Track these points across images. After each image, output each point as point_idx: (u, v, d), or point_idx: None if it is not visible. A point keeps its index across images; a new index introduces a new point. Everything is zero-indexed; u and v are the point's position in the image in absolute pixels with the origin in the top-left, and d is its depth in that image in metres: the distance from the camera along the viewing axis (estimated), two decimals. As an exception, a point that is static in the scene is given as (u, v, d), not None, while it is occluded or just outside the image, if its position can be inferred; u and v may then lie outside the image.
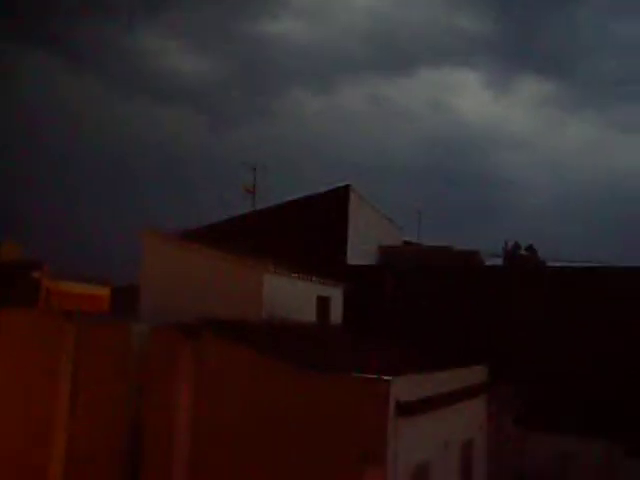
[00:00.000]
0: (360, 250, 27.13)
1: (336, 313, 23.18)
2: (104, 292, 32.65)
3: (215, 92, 69.27)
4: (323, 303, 22.23)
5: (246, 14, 72.02)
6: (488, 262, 30.02)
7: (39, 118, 55.14)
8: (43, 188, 47.10)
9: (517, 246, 32.89)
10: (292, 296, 19.90)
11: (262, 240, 24.80)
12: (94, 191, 49.48)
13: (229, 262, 19.37)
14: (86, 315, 18.85)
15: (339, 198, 26.95)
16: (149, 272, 20.13)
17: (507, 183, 64.32)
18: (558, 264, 26.82)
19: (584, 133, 72.37)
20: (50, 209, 43.40)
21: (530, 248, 32.59)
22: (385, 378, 12.13)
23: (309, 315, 20.96)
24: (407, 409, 12.46)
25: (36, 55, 61.79)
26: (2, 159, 48.42)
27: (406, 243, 32.27)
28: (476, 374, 18.95)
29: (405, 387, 12.76)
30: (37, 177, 48.49)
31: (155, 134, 60.63)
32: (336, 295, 23.34)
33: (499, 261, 31.29)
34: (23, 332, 16.21)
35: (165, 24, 68.85)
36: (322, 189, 27.77)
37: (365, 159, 60.77)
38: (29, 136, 53.51)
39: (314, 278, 21.74)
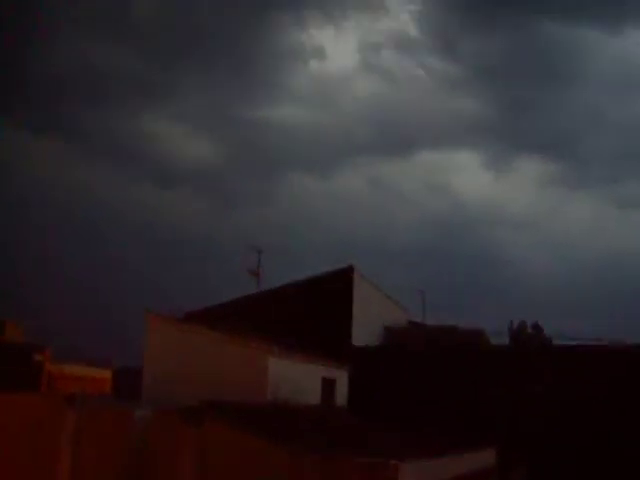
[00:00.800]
0: (365, 331, 26.97)
1: (341, 395, 22.85)
2: (106, 374, 32.37)
3: (216, 175, 70.55)
4: (328, 385, 21.95)
5: (247, 100, 74.05)
6: (494, 341, 29.79)
7: (44, 201, 55.97)
8: (46, 270, 47.28)
9: (523, 325, 32.67)
10: (297, 378, 19.65)
11: (266, 322, 24.73)
12: (97, 273, 49.61)
13: (233, 344, 19.26)
14: (88, 399, 18.59)
15: (343, 279, 26.99)
16: (152, 354, 20.00)
17: (508, 262, 64.56)
18: (564, 342, 26.62)
19: (585, 211, 73.10)
20: (53, 290, 43.44)
21: (536, 326, 32.35)
22: (393, 462, 11.85)
23: (314, 397, 20.66)
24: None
25: (43, 141, 63.16)
26: (7, 240, 48.79)
27: (411, 323, 32.09)
28: (485, 457, 18.52)
29: (413, 472, 12.44)
30: (40, 258, 48.78)
31: (158, 216, 61.33)
32: (341, 377, 23.07)
33: (505, 339, 31.03)
34: (23, 416, 15.95)
35: (168, 110, 70.72)
36: (325, 270, 27.86)
37: (366, 241, 61.18)
38: (34, 218, 54.15)
39: (319, 360, 21.54)
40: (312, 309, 26.59)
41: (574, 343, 25.59)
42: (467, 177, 78.58)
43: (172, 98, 70.64)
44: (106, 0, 65.69)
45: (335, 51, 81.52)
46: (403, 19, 78.99)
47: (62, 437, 15.14)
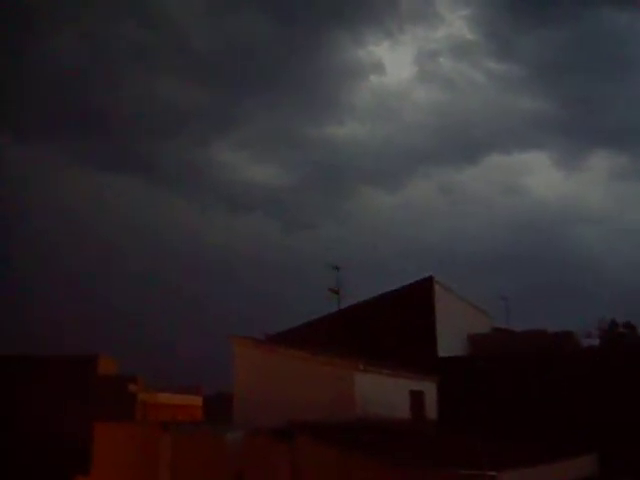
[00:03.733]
0: (450, 340, 26.62)
1: (431, 407, 22.58)
2: (197, 401, 33.02)
3: (287, 197, 71.31)
4: (416, 398, 21.73)
5: (311, 120, 74.73)
6: (584, 343, 28.82)
7: (121, 236, 57.77)
8: (136, 304, 48.72)
9: (614, 323, 31.49)
10: (384, 393, 19.57)
11: (350, 338, 24.74)
12: (179, 302, 50.81)
13: (318, 363, 19.34)
14: (182, 425, 19.05)
15: (423, 290, 26.74)
16: (240, 378, 20.31)
17: (590, 260, 62.47)
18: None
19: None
20: (143, 323, 44.73)
21: (628, 325, 31.12)
22: (491, 473, 11.63)
23: (403, 411, 20.50)
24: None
25: (122, 178, 65.42)
26: (98, 277, 50.68)
27: (496, 330, 31.45)
28: (585, 465, 17.89)
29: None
30: (127, 292, 50.30)
31: (234, 241, 62.40)
32: (429, 389, 22.81)
33: (595, 341, 30.00)
34: (121, 444, 16.48)
35: (234, 137, 72.05)
36: (404, 283, 27.67)
37: (443, 249, 60.50)
38: (115, 252, 55.95)
39: (405, 373, 21.38)
40: (394, 322, 26.45)
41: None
42: (539, 177, 76.95)
43: (238, 125, 72.07)
44: (170, 36, 67.47)
45: (393, 64, 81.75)
46: (457, 25, 78.50)
47: (160, 462, 15.58)
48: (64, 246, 54.38)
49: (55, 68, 60.69)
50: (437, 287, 26.93)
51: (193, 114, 68.24)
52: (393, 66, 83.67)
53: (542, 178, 76.85)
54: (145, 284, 52.74)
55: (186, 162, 69.29)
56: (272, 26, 69.35)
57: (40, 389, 26.13)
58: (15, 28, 59.42)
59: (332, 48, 73.52)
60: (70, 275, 50.96)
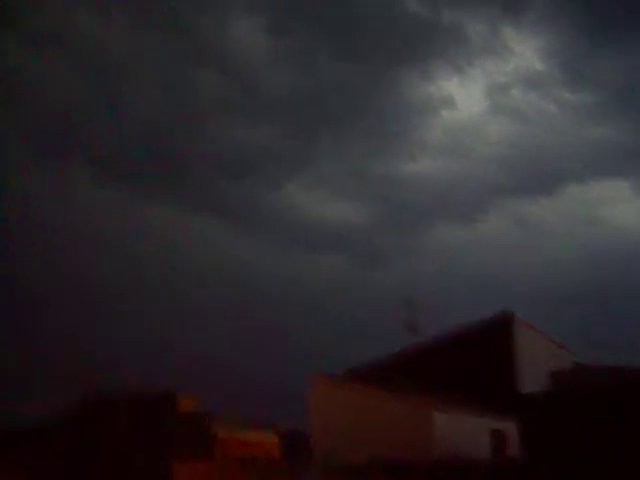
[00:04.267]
0: (531, 377, 25.86)
1: (513, 447, 21.90)
2: (273, 438, 32.98)
3: (360, 234, 71.29)
4: (498, 437, 21.14)
5: (382, 158, 74.89)
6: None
7: (198, 274, 58.88)
8: (213, 344, 49.51)
9: None
10: (463, 432, 19.14)
11: (426, 374, 24.36)
12: (256, 338, 51.29)
13: (396, 401, 19.12)
14: (259, 463, 19.06)
15: (502, 325, 26.17)
16: (317, 415, 20.27)
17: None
18: None
19: None
20: (220, 362, 45.30)
21: None
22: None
23: (483, 451, 19.96)
24: None
25: (195, 217, 67.02)
26: (169, 316, 51.83)
27: (579, 366, 30.39)
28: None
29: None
30: (204, 328, 51.16)
31: (308, 280, 62.79)
32: (511, 427, 22.14)
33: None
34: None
35: (307, 178, 72.97)
36: (480, 318, 27.15)
37: (521, 283, 59.00)
38: (193, 291, 57.03)
39: (485, 411, 20.87)
40: (472, 358, 25.93)
41: None
42: (619, 207, 74.31)
43: (310, 165, 72.92)
44: (244, 82, 69.33)
45: (464, 98, 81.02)
46: (528, 56, 77.15)
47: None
48: (142, 285, 55.79)
49: (136, 116, 63.24)
50: (516, 322, 26.32)
51: (267, 156, 69.51)
52: (464, 100, 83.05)
53: (622, 207, 74.36)
54: (222, 321, 53.52)
55: (260, 203, 70.49)
56: (342, 66, 70.40)
57: (120, 426, 26.64)
58: (104, 81, 62.47)
59: (402, 85, 73.71)
60: (150, 314, 52.23)
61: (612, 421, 23.05)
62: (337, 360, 31.05)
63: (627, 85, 67.92)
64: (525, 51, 75.45)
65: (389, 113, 72.54)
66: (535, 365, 26.66)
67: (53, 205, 54.86)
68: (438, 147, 74.89)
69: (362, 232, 68.78)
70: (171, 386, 28.59)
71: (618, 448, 22.04)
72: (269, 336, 51.30)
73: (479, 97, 78.09)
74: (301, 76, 69.20)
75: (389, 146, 75.76)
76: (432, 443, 17.85)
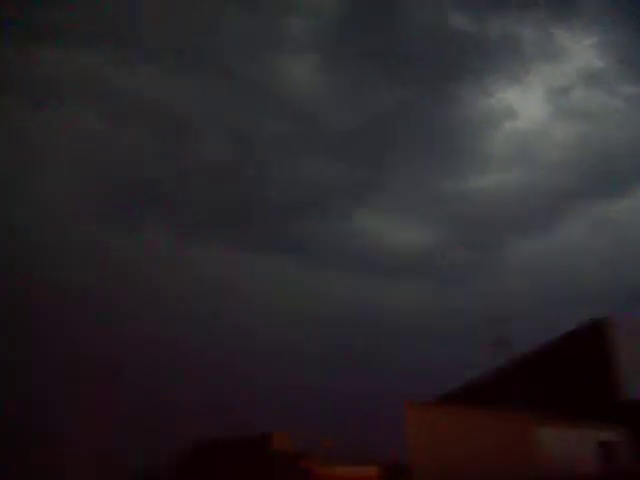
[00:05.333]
0: (635, 382, 24.74)
1: (622, 457, 20.96)
2: (373, 471, 32.56)
3: (435, 255, 70.52)
4: (606, 449, 20.28)
5: (450, 176, 74.31)
6: None
7: (275, 309, 59.24)
8: (300, 380, 49.55)
9: None
10: (568, 446, 18.46)
11: (523, 390, 23.69)
12: (345, 371, 51.01)
13: (497, 420, 18.63)
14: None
15: (597, 332, 25.21)
16: (415, 443, 19.95)
17: None
18: None
19: None
20: (313, 399, 45.31)
21: None
22: None
23: (590, 464, 19.16)
24: None
25: (269, 256, 67.78)
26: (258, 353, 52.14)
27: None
28: None
29: None
30: (287, 364, 51.29)
31: (385, 307, 62.33)
32: (618, 437, 21.23)
33: None
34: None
35: (378, 204, 72.97)
36: (574, 326, 26.25)
37: (607, 288, 56.90)
38: (278, 328, 57.34)
39: (590, 423, 20.09)
40: (568, 370, 25.06)
41: None
42: None
43: (379, 193, 72.98)
44: (306, 121, 70.24)
45: (525, 107, 79.93)
46: (585, 55, 75.80)
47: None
48: (228, 323, 56.46)
49: (206, 164, 64.96)
50: (613, 326, 25.29)
51: (335, 189, 70.00)
52: (525, 109, 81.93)
53: None
54: (301, 355, 53.57)
55: (332, 235, 70.82)
56: (399, 93, 70.69)
57: (221, 467, 27.05)
58: (171, 135, 64.58)
59: (462, 103, 73.36)
60: (243, 355, 52.78)
61: None
62: (428, 385, 30.59)
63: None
64: (581, 50, 73.97)
65: (452, 131, 72.23)
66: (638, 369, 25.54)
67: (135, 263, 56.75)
68: (504, 159, 73.84)
69: (437, 253, 68.11)
70: (267, 426, 28.87)
71: None
72: (355, 366, 51.04)
73: (540, 103, 76.77)
74: (360, 108, 69.89)
75: (455, 164, 75.29)
76: (537, 460, 17.26)
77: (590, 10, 69.39)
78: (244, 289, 60.13)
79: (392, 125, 70.03)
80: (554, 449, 17.73)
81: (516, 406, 20.06)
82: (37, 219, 54.65)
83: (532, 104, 76.89)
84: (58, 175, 58.07)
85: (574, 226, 70.53)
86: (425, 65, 69.58)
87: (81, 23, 58.83)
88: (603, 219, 71.05)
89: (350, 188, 70.43)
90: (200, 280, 58.21)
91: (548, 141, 74.36)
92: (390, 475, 29.47)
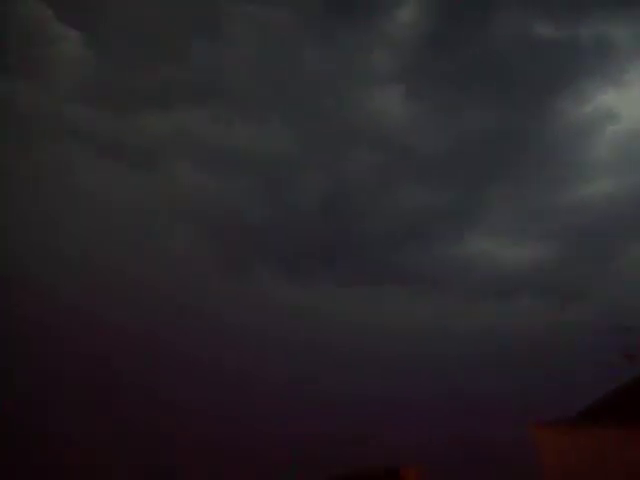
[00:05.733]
0: None
1: None
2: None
3: (551, 270, 68.13)
4: None
5: (555, 188, 72.07)
6: None
7: (387, 342, 58.75)
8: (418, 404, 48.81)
9: None
10: None
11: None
12: (457, 393, 49.96)
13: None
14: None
15: None
16: (550, 468, 18.99)
17: None
18: None
19: None
20: (432, 424, 44.51)
21: None
22: None
23: None
24: None
25: (377, 288, 67.48)
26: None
27: None
28: None
29: None
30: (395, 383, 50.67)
31: (504, 328, 60.60)
32: None
33: None
34: None
35: (482, 229, 71.62)
36: None
37: None
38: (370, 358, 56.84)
39: None
40: None
41: None
42: None
43: (485, 214, 71.68)
44: (397, 151, 70.20)
45: (626, 108, 76.72)
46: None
47: None
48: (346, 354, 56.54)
49: (302, 206, 65.96)
50: None
51: (438, 215, 69.17)
52: (627, 110, 78.62)
53: None
54: (414, 376, 52.76)
55: (440, 261, 69.67)
56: (492, 110, 69.50)
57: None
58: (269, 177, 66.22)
59: (559, 111, 71.36)
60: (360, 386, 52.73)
61: None
62: (555, 406, 29.31)
63: None
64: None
65: (552, 142, 70.29)
66: None
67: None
68: (611, 164, 70.97)
69: (552, 268, 65.84)
70: (393, 460, 28.39)
71: None
72: (475, 394, 49.83)
73: (643, 102, 73.64)
74: (452, 130, 69.26)
75: (561, 175, 72.92)
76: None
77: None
78: (359, 323, 60.14)
79: (490, 144, 69.01)
80: None
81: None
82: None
83: (633, 104, 73.86)
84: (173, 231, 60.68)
85: None
86: (516, 78, 68.33)
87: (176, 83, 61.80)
88: None
89: (453, 212, 69.66)
90: (314, 316, 58.92)
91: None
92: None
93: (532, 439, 19.94)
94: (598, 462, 17.83)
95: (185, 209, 62.50)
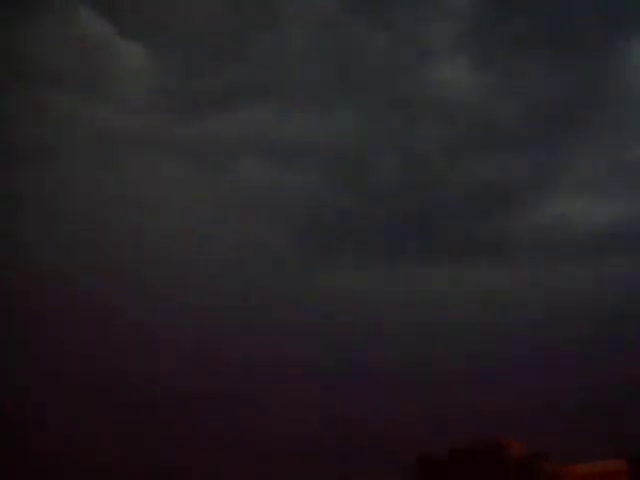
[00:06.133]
0: None
1: None
2: (620, 465, 30.43)
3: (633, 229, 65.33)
4: None
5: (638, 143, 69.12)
6: None
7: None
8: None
9: None
10: None
11: None
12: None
13: None
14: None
15: None
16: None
17: None
18: None
19: None
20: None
21: None
22: None
23: None
24: None
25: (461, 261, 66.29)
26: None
27: None
28: None
29: None
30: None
31: (599, 290, 58.57)
32: None
33: None
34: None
35: (567, 187, 69.17)
36: None
37: None
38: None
39: None
40: None
41: None
42: None
43: (566, 176, 69.39)
44: (472, 120, 68.62)
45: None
46: None
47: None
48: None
49: (383, 188, 65.47)
50: None
51: (519, 181, 67.28)
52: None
53: None
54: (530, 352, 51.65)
55: (526, 228, 67.61)
56: (566, 67, 66.95)
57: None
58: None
59: (634, 60, 68.17)
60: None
61: None
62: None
63: None
64: None
65: (629, 95, 67.58)
66: None
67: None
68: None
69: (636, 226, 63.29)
70: (498, 433, 28.11)
71: None
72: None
73: None
74: (524, 95, 67.30)
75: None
76: None
77: None
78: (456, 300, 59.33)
79: (564, 104, 66.87)
80: None
81: None
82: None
83: None
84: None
85: None
86: (585, 29, 65.77)
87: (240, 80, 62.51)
88: None
89: (534, 177, 67.77)
90: (410, 295, 58.53)
91: None
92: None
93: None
94: None
95: (263, 203, 63.15)
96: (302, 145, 64.17)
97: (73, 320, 48.53)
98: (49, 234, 53.89)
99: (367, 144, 65.64)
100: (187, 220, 58.84)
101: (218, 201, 61.49)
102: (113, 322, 49.89)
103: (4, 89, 56.95)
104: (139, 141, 61.19)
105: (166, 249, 56.14)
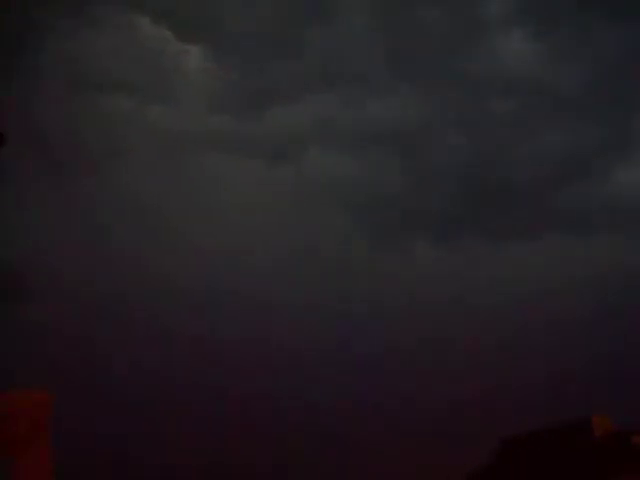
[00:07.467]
0: None
1: None
2: None
3: None
4: None
5: None
6: None
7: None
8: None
9: None
10: None
11: None
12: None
13: None
14: None
15: None
16: None
17: None
18: None
19: None
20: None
21: None
22: None
23: None
24: None
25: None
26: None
27: None
28: None
29: None
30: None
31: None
32: None
33: None
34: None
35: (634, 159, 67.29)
36: None
37: None
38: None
39: None
40: None
41: None
42: None
43: (634, 145, 67.32)
44: (533, 91, 67.19)
45: None
46: None
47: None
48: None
49: (444, 167, 65.26)
50: None
51: (586, 152, 65.74)
52: None
53: None
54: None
55: (596, 200, 66.06)
56: (626, 30, 64.67)
57: (540, 462, 26.79)
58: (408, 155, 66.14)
59: None
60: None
61: None
62: None
63: None
64: None
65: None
66: None
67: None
68: None
69: None
70: (582, 411, 27.91)
71: None
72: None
73: None
74: (585, 63, 65.50)
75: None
76: None
77: None
78: (519, 276, 58.88)
79: (629, 69, 64.73)
80: None
81: None
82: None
83: None
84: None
85: None
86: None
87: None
88: None
89: (602, 147, 65.98)
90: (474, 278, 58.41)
91: None
92: None
93: None
94: None
95: (332, 191, 63.99)
96: (369, 131, 64.75)
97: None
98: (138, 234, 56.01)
99: (431, 125, 65.51)
100: (262, 215, 60.32)
101: (295, 192, 62.83)
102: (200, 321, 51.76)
103: (72, 96, 59.24)
104: (208, 140, 62.84)
105: (244, 243, 57.81)
